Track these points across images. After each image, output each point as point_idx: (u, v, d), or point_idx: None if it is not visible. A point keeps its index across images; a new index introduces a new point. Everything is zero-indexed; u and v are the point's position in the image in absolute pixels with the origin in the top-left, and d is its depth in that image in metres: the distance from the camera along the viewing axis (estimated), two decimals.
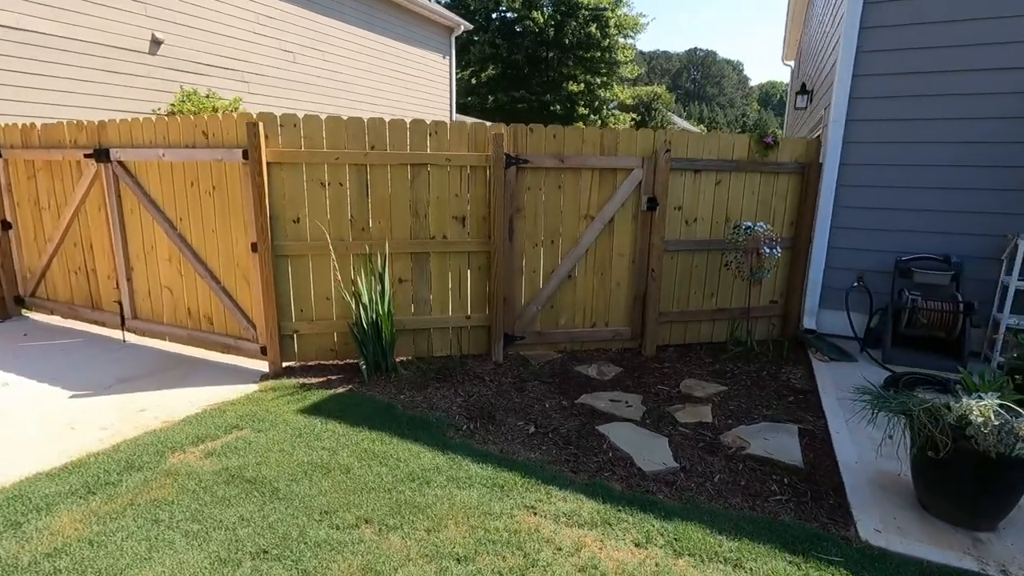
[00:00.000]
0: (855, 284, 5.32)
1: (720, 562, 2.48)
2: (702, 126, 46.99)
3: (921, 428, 2.66)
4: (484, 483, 3.02)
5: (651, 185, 4.89)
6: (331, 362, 4.74)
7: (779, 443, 3.54)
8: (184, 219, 4.78)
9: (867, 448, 3.40)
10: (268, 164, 4.27)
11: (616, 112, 28.28)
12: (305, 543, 2.52)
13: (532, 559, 2.45)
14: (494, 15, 24.49)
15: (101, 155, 4.94)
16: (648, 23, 41.69)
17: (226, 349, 4.83)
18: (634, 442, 3.53)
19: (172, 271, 4.94)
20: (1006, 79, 4.72)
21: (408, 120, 4.52)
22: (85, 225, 5.37)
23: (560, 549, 2.53)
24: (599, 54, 24.25)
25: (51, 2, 6.81)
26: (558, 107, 24.29)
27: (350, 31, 11.71)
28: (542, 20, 22.95)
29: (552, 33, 23.26)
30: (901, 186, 5.15)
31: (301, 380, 4.41)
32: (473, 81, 25.00)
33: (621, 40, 24.96)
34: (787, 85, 18.41)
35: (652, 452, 3.41)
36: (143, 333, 5.24)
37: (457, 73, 18.15)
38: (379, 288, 4.44)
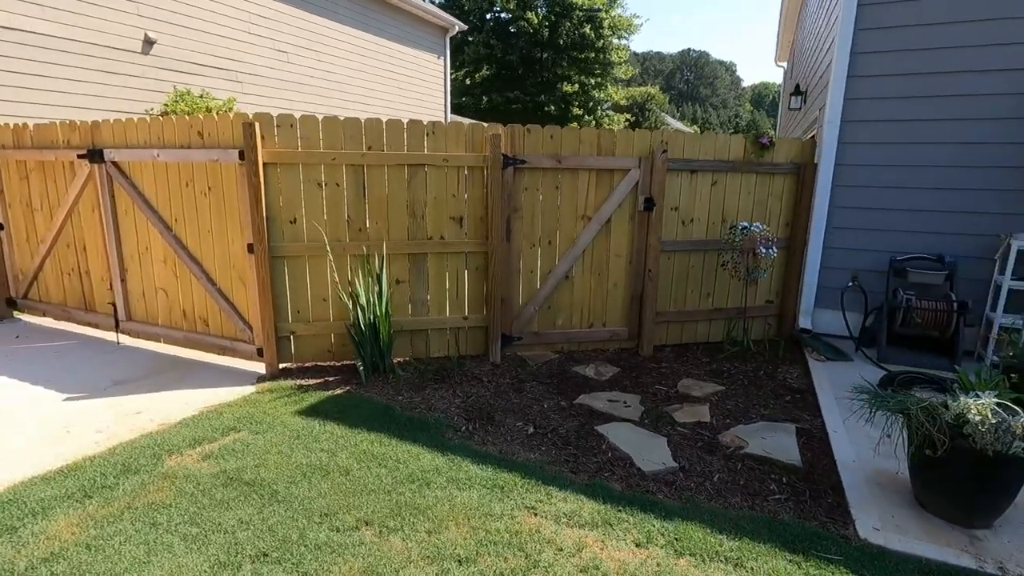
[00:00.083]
0: (850, 284, 5.36)
1: (721, 561, 2.48)
2: (695, 127, 47.20)
3: (919, 427, 2.68)
4: (484, 484, 3.02)
5: (648, 185, 4.91)
6: (328, 363, 4.72)
7: (777, 442, 3.56)
8: (179, 220, 4.74)
9: (864, 447, 3.42)
10: (264, 165, 4.25)
11: (610, 113, 28.35)
12: (305, 546, 2.51)
13: (533, 560, 2.45)
14: (488, 16, 24.47)
15: (95, 156, 4.89)
16: (642, 24, 41.80)
17: (222, 351, 4.80)
18: (633, 442, 3.53)
19: (167, 272, 4.91)
20: (1001, 80, 4.76)
21: (405, 120, 4.51)
22: (78, 226, 5.32)
23: (561, 550, 2.52)
24: (593, 55, 24.29)
25: (42, 1, 6.76)
26: (552, 108, 24.31)
27: (344, 31, 11.68)
28: (536, 21, 22.97)
29: (546, 34, 23.28)
30: (896, 186, 5.19)
31: (298, 381, 4.38)
32: (467, 82, 24.98)
33: (615, 41, 25.02)
34: (780, 86, 18.52)
35: (651, 452, 3.42)
36: (137, 335, 5.20)
37: (451, 74, 18.15)
38: (376, 289, 4.42)
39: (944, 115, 4.95)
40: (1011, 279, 4.67)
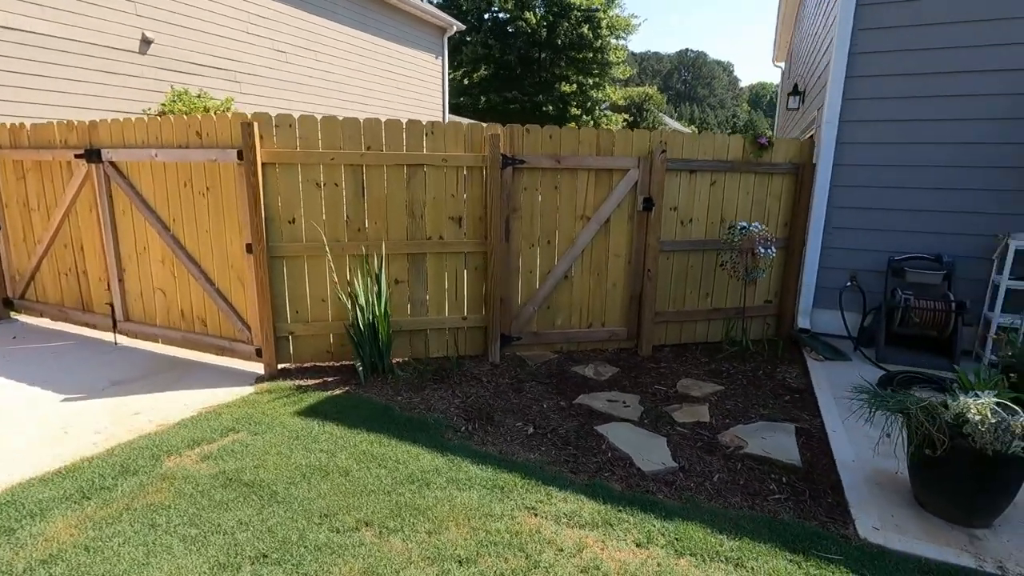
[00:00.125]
0: (848, 283, 5.37)
1: (721, 561, 2.48)
2: (693, 127, 47.27)
3: (918, 426, 2.68)
4: (484, 484, 3.01)
5: (647, 185, 4.91)
6: (327, 364, 4.71)
7: (776, 442, 3.56)
8: (177, 220, 4.73)
9: (864, 446, 3.42)
10: (263, 164, 4.24)
11: (608, 113, 28.38)
12: (305, 547, 2.50)
13: (534, 560, 2.45)
14: (486, 16, 24.48)
15: (92, 155, 4.88)
16: (640, 24, 41.85)
17: (220, 351, 4.78)
18: (633, 442, 3.53)
19: (165, 273, 4.89)
20: (998, 80, 4.77)
21: (404, 120, 4.50)
22: (76, 226, 5.30)
23: (562, 550, 2.52)
24: (591, 55, 24.31)
25: (39, 0, 6.73)
26: (550, 108, 24.32)
27: (343, 31, 11.67)
28: (534, 21, 22.98)
29: (544, 34, 23.29)
30: (895, 186, 5.20)
31: (297, 382, 4.37)
32: (465, 82, 24.98)
33: (613, 41, 25.05)
34: (777, 86, 18.55)
35: (651, 452, 3.42)
36: (135, 335, 5.18)
37: (449, 73, 18.14)
38: (375, 289, 4.42)
39: (943, 115, 4.96)
40: (1009, 279, 4.68)
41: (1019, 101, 4.74)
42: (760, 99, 71.53)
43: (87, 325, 5.49)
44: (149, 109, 7.83)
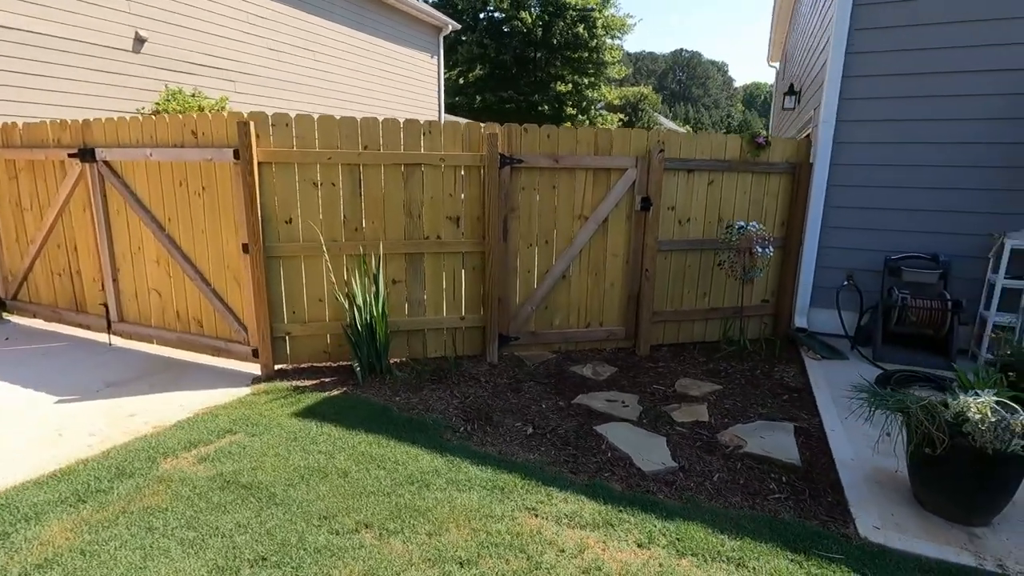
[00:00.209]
0: (845, 283, 5.38)
1: (723, 561, 2.48)
2: (687, 127, 47.37)
3: (918, 425, 2.68)
4: (484, 485, 3.00)
5: (645, 185, 4.90)
6: (324, 364, 4.68)
7: (776, 441, 3.56)
8: (173, 220, 4.69)
9: (863, 445, 3.43)
10: (259, 164, 4.21)
11: (603, 112, 28.40)
12: (305, 549, 2.48)
13: (535, 561, 2.43)
14: (482, 15, 24.44)
15: (86, 155, 4.83)
16: (635, 24, 41.90)
17: (216, 352, 4.75)
18: (632, 442, 3.53)
19: (160, 273, 4.85)
20: (994, 80, 4.79)
21: (401, 120, 4.48)
22: (69, 226, 5.25)
23: (563, 551, 2.51)
24: (587, 54, 24.32)
25: None
26: (546, 107, 24.32)
27: (338, 30, 11.61)
28: (530, 20, 22.96)
29: (540, 33, 23.28)
30: (890, 186, 5.21)
31: (294, 383, 4.35)
32: (461, 81, 24.95)
33: (608, 41, 25.05)
34: (772, 86, 18.61)
35: (651, 452, 3.42)
36: (130, 336, 5.14)
37: (445, 73, 18.08)
38: (373, 289, 4.39)
39: (940, 115, 4.98)
40: (1004, 278, 4.71)
41: (1015, 101, 4.76)
42: (754, 99, 71.76)
43: (81, 326, 5.44)
44: (143, 108, 7.76)
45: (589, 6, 23.49)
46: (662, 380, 4.60)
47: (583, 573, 2.38)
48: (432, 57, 14.81)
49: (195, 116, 4.41)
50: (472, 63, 24.36)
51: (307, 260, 4.47)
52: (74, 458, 3.20)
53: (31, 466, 3.12)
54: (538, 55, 24.04)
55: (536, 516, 2.76)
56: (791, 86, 8.67)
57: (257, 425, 3.62)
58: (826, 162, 5.32)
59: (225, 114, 4.28)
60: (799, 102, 8.24)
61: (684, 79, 78.67)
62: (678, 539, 2.61)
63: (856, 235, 5.38)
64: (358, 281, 4.42)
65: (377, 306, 4.36)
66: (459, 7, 23.46)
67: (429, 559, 2.44)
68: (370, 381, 4.38)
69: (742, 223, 4.98)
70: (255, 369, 4.52)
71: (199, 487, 2.93)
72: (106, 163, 4.80)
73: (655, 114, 33.20)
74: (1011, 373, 3.27)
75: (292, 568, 2.37)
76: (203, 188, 4.47)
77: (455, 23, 15.22)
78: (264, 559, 2.42)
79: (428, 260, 4.73)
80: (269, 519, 2.68)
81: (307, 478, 3.03)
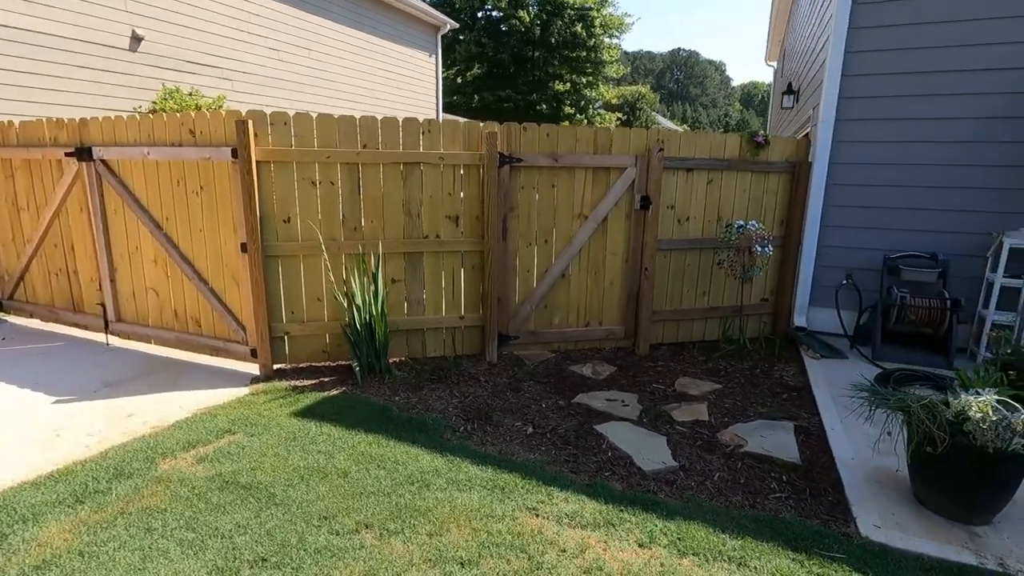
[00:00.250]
0: (844, 282, 5.38)
1: (724, 561, 2.47)
2: (685, 126, 47.41)
3: (919, 424, 2.68)
4: (484, 485, 2.99)
5: (644, 184, 4.89)
6: (323, 364, 4.67)
7: (776, 440, 3.56)
8: (170, 219, 4.67)
9: (863, 444, 3.43)
10: (258, 163, 4.19)
11: (602, 112, 28.38)
12: (305, 550, 2.47)
13: (536, 561, 2.43)
14: (480, 14, 24.39)
15: (83, 153, 4.80)
16: (633, 23, 41.94)
17: (215, 352, 4.73)
18: (632, 441, 3.52)
19: (158, 272, 4.83)
20: (996, 79, 4.79)
21: (400, 118, 4.46)
22: (66, 226, 5.22)
23: (564, 551, 2.50)
24: (585, 54, 24.30)
25: None
26: (544, 106, 24.30)
27: (337, 29, 11.59)
28: (528, 19, 22.93)
29: (538, 32, 23.25)
30: (890, 185, 5.21)
31: (293, 382, 4.33)
32: (459, 80, 24.91)
33: (606, 40, 25.04)
34: (769, 85, 18.64)
35: (651, 451, 3.41)
36: (128, 336, 5.11)
37: (443, 72, 18.05)
38: (372, 288, 4.38)
39: (942, 114, 4.97)
40: (1003, 276, 4.71)
41: (1017, 99, 4.76)
42: (752, 98, 71.82)
43: (78, 326, 5.42)
44: (140, 107, 7.73)
45: (587, 5, 23.47)
46: (662, 379, 4.59)
47: (584, 573, 2.38)
48: (430, 56, 14.79)
49: (193, 115, 4.39)
50: (470, 62, 24.33)
51: (306, 259, 4.46)
52: (72, 459, 3.18)
53: (28, 467, 3.11)
54: (536, 54, 24.02)
55: (537, 516, 2.75)
56: (789, 85, 8.67)
57: (256, 425, 3.61)
58: (825, 161, 5.32)
59: (223, 113, 4.25)
60: (797, 101, 8.24)
61: (682, 78, 78.67)
62: (679, 539, 2.61)
63: (855, 234, 5.38)
64: (357, 280, 4.41)
65: (376, 305, 4.35)
66: (457, 6, 23.43)
67: (430, 559, 2.43)
68: (369, 381, 4.37)
69: (741, 222, 4.98)
70: (254, 369, 4.51)
71: (198, 488, 2.91)
72: (103, 162, 4.77)
73: (653, 113, 33.22)
74: (1011, 372, 3.27)
75: (292, 569, 2.36)
76: (201, 187, 4.45)
77: (453, 22, 15.21)
78: (264, 560, 2.40)
79: (427, 259, 4.71)
80: (269, 519, 2.67)
81: (307, 478, 3.02)
